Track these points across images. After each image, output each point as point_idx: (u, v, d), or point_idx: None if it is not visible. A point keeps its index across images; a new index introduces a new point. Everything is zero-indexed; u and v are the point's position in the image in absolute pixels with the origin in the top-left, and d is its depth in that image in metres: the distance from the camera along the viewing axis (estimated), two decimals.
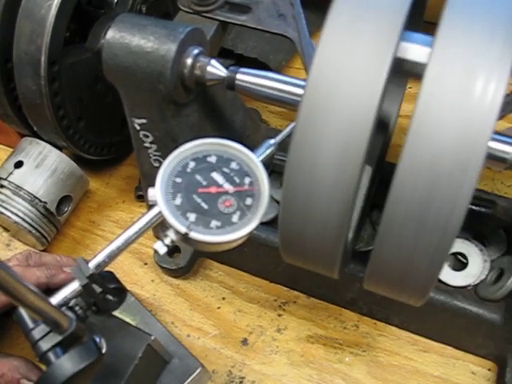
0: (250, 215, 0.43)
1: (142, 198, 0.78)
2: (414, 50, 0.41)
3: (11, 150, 0.76)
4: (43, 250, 0.74)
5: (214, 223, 0.43)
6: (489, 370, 0.63)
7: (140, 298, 0.68)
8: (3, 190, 0.70)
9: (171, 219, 0.42)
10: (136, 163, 0.66)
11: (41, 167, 0.71)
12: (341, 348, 0.66)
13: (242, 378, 0.64)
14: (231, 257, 0.71)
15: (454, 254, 0.64)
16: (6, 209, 0.69)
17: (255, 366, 0.65)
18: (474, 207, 0.62)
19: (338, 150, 0.37)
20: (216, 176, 0.44)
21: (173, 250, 0.70)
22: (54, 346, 0.44)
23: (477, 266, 0.62)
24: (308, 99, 0.38)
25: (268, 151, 0.48)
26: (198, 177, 0.44)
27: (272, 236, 0.64)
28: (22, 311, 0.46)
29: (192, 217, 0.43)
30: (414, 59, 0.41)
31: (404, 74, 0.42)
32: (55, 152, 0.72)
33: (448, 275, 0.62)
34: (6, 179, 0.70)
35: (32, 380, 0.61)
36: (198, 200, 0.43)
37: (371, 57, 0.37)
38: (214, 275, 0.72)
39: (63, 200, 0.74)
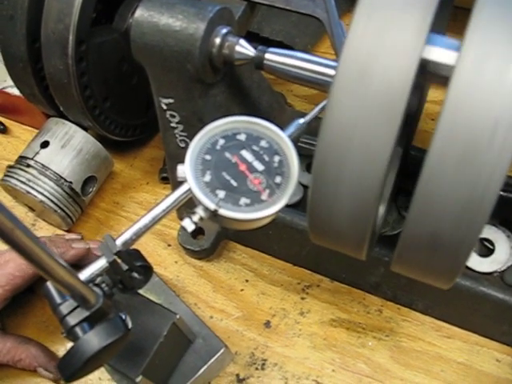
0: (279, 193, 0.43)
1: (165, 179, 0.78)
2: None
3: (36, 131, 0.76)
4: (67, 231, 0.75)
5: (243, 200, 0.42)
6: None
7: (163, 279, 0.68)
8: (29, 170, 0.70)
9: (201, 196, 0.42)
10: (161, 144, 0.66)
11: (67, 147, 0.72)
12: (364, 332, 0.66)
13: (265, 360, 0.64)
14: (255, 239, 0.71)
15: (481, 240, 0.63)
16: (33, 188, 0.69)
17: (278, 349, 0.65)
18: (501, 193, 0.61)
19: (371, 127, 0.37)
20: (245, 154, 0.44)
21: (197, 231, 0.70)
22: (81, 321, 0.44)
23: (504, 252, 0.62)
24: (340, 79, 0.37)
25: (298, 130, 0.48)
26: (228, 154, 0.44)
27: (297, 218, 0.63)
28: (50, 286, 0.46)
29: (221, 194, 0.42)
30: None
31: None
32: (81, 132, 0.72)
33: (474, 261, 0.61)
34: (32, 159, 0.71)
35: (49, 370, 0.62)
36: (228, 177, 0.43)
37: (406, 35, 0.36)
38: (238, 257, 0.72)
39: (88, 180, 0.74)
